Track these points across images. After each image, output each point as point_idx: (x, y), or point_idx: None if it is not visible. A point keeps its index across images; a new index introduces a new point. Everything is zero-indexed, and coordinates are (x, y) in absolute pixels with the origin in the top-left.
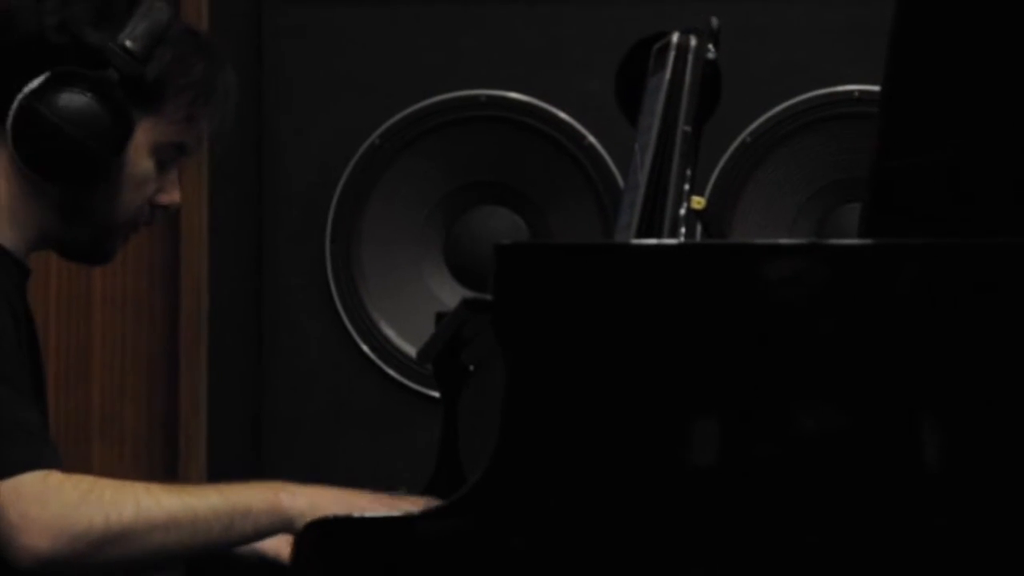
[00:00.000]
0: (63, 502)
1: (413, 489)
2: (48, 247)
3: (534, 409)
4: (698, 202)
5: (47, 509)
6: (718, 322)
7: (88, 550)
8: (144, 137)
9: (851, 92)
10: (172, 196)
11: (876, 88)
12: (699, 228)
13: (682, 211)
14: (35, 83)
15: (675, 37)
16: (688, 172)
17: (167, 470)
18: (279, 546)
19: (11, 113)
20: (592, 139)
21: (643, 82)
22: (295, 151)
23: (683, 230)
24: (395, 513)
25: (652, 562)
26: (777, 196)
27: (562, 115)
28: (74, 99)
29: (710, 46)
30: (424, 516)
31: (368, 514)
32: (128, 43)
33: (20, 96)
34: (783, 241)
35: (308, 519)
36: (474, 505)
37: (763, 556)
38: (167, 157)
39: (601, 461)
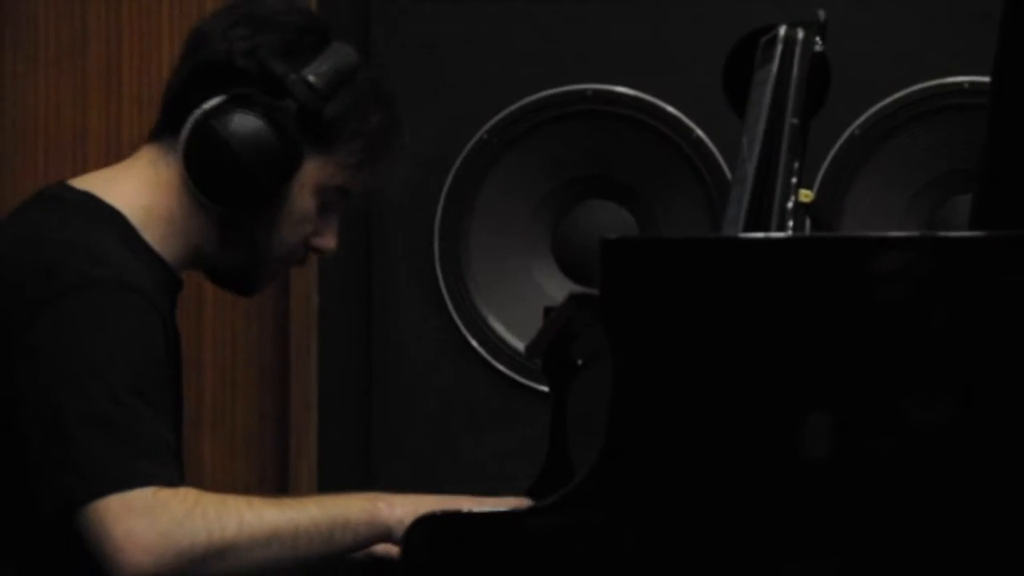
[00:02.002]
0: (169, 518)
1: (522, 483)
2: (200, 267)
3: (642, 404)
4: (807, 195)
5: (153, 526)
6: (828, 315)
7: (191, 567)
8: (311, 175)
9: (961, 83)
10: (328, 241)
11: (986, 79)
12: (808, 221)
13: (790, 204)
14: (213, 102)
15: (782, 30)
16: (796, 165)
17: (277, 466)
18: (388, 545)
19: (186, 128)
20: (699, 132)
21: (750, 75)
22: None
23: (792, 223)
24: (503, 509)
25: (760, 558)
26: (886, 189)
27: (669, 108)
28: (247, 122)
29: (818, 38)
30: (533, 511)
31: (476, 509)
32: (311, 78)
33: (197, 112)
34: (893, 234)
35: (406, 527)
36: (583, 500)
37: (875, 551)
38: (329, 200)
39: (710, 456)
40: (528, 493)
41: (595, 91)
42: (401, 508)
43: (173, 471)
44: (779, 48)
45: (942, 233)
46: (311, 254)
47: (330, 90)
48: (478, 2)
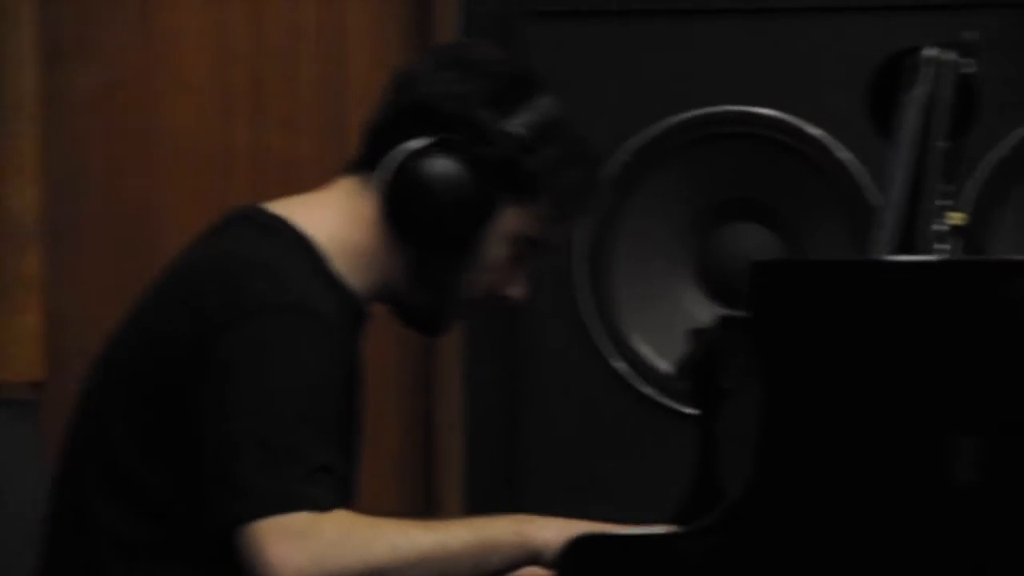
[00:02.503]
0: (321, 542)
1: (668, 506)
2: (386, 303)
3: (793, 427)
4: (958, 218)
5: (305, 549)
6: (981, 338)
7: None
8: (507, 224)
9: None
10: (518, 291)
11: None
12: (959, 244)
13: (940, 227)
14: (417, 143)
15: (931, 51)
16: (949, 187)
17: (423, 488)
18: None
19: (388, 166)
20: (844, 153)
21: (896, 96)
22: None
23: (948, 246)
24: (658, 531)
25: None
26: None
27: (812, 130)
28: (450, 167)
29: (968, 60)
30: (685, 534)
31: (631, 533)
32: (516, 129)
33: (401, 151)
34: None
35: (554, 551)
36: (734, 524)
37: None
38: (523, 250)
39: (864, 480)
40: (675, 516)
41: (738, 113)
42: (550, 531)
43: (333, 496)
44: (928, 69)
45: None
46: (498, 304)
47: (533, 142)
48: (620, 24)
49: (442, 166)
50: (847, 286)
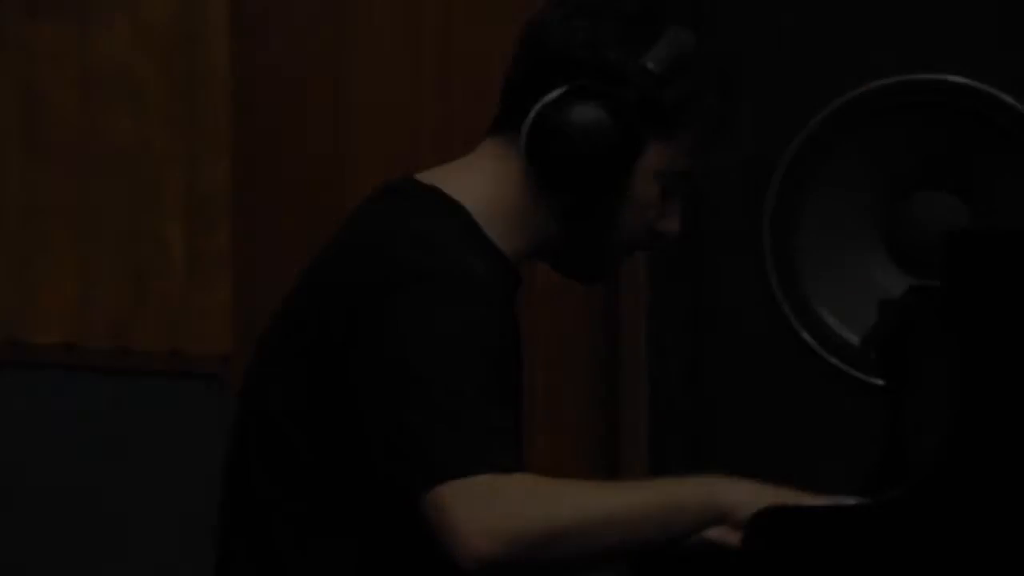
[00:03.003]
0: (506, 502)
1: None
2: (543, 258)
3: (986, 403)
4: None
5: (490, 509)
6: None
7: (528, 551)
8: (653, 161)
9: None
10: (672, 224)
11: None
12: None
13: None
14: (553, 94)
15: None
16: None
17: (608, 461)
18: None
19: (527, 121)
20: None
21: None
22: (731, 138)
23: None
24: (848, 502)
25: None
26: None
27: (1006, 98)
28: (588, 112)
29: None
30: (873, 507)
31: (820, 504)
32: (650, 65)
33: (537, 106)
34: None
35: (744, 512)
36: (923, 499)
37: None
38: (672, 184)
39: None
40: (862, 488)
41: (928, 81)
42: (738, 492)
43: (512, 457)
44: None
45: None
46: (657, 239)
47: (669, 76)
48: None
49: (580, 112)
50: None
